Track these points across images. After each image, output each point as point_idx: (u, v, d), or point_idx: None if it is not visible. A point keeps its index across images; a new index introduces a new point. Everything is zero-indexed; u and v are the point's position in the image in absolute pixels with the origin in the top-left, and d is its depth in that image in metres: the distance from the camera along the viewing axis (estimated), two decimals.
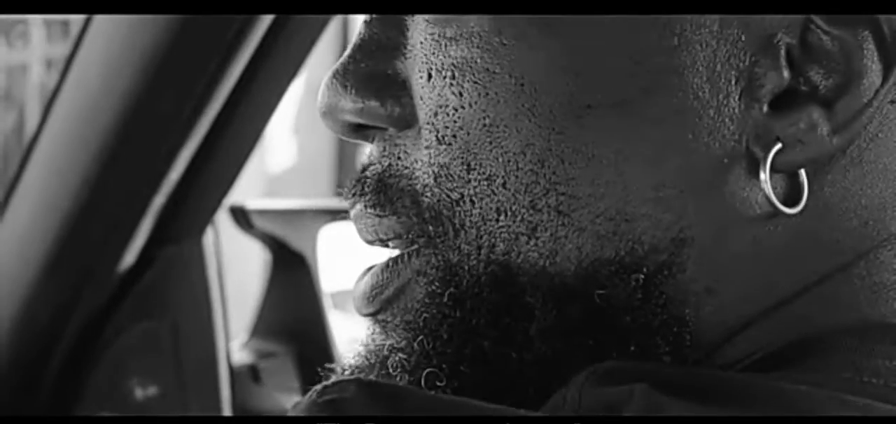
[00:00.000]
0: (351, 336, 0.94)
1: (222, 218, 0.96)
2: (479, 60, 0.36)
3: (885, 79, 0.34)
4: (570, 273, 0.36)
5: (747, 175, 0.35)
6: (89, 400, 0.89)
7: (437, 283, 0.37)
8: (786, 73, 0.34)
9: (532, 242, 0.36)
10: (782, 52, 0.34)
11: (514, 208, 0.36)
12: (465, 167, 0.37)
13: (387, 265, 0.40)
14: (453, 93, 0.37)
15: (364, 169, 0.40)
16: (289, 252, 1.01)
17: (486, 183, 0.36)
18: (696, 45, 0.34)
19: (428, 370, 0.37)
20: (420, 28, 0.38)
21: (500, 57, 0.36)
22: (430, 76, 0.37)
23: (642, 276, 0.35)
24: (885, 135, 0.36)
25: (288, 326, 1.03)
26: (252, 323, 1.05)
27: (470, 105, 0.36)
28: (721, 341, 0.36)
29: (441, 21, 0.37)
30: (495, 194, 0.36)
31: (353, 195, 0.40)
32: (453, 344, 0.37)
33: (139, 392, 0.90)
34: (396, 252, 0.40)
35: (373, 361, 0.40)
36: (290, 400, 0.97)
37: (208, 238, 0.94)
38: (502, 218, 0.36)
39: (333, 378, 0.36)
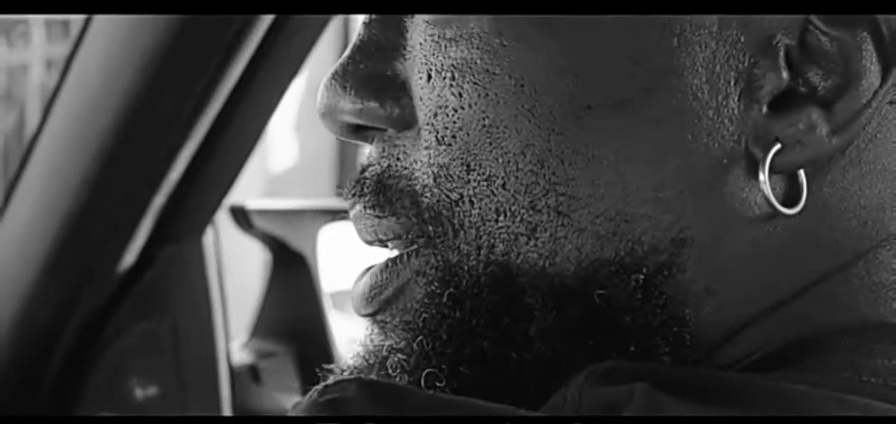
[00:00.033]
0: (351, 336, 0.94)
1: (222, 218, 0.96)
2: (478, 61, 0.36)
3: (883, 79, 0.34)
4: (569, 273, 0.36)
5: (746, 175, 0.35)
6: (89, 400, 0.89)
7: (436, 284, 0.37)
8: (785, 74, 0.34)
9: (532, 243, 0.36)
10: (781, 53, 0.34)
11: (513, 209, 0.36)
12: (464, 168, 0.37)
13: (386, 265, 0.40)
14: (453, 93, 0.37)
15: (363, 169, 0.40)
16: (289, 252, 1.01)
17: (485, 183, 0.36)
18: (695, 46, 0.34)
19: (427, 370, 0.37)
20: (419, 29, 0.38)
21: (500, 58, 0.36)
22: (429, 77, 0.37)
23: (642, 277, 0.35)
24: (883, 135, 0.36)
25: (288, 326, 1.03)
26: (252, 323, 1.05)
27: (470, 106, 0.36)
28: (721, 341, 0.36)
29: (441, 22, 0.37)
30: (495, 195, 0.36)
31: (353, 195, 0.40)
32: (453, 344, 0.37)
33: (139, 392, 0.90)
34: (396, 252, 0.40)
35: (372, 361, 0.40)
36: (290, 400, 0.97)
37: (208, 238, 0.94)
38: (502, 218, 0.36)
39: (334, 378, 0.35)
